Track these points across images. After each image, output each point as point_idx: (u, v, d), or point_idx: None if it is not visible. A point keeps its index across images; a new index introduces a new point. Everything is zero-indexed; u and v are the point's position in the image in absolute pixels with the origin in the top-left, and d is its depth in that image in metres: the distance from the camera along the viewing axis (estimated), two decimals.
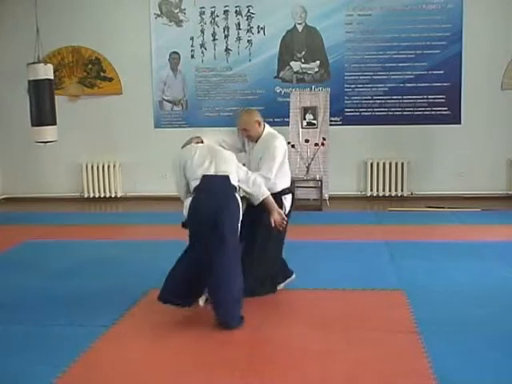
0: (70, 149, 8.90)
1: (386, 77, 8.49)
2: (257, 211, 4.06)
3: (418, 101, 8.49)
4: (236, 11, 8.62)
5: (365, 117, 8.59)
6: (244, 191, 4.07)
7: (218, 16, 8.65)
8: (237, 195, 3.85)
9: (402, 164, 8.53)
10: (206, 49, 8.73)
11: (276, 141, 4.22)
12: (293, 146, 7.97)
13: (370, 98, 8.56)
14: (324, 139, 8.09)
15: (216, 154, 3.92)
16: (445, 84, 8.41)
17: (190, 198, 3.85)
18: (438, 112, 8.48)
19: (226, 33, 8.67)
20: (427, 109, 8.49)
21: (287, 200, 4.29)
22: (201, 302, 4.03)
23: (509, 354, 3.28)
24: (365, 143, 8.60)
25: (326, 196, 8.16)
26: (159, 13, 8.71)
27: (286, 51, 8.62)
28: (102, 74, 8.89)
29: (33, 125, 7.37)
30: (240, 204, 3.85)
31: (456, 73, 8.37)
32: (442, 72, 8.40)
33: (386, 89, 8.52)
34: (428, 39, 8.37)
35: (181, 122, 8.87)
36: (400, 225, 6.85)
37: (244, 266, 3.99)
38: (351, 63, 8.53)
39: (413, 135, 8.52)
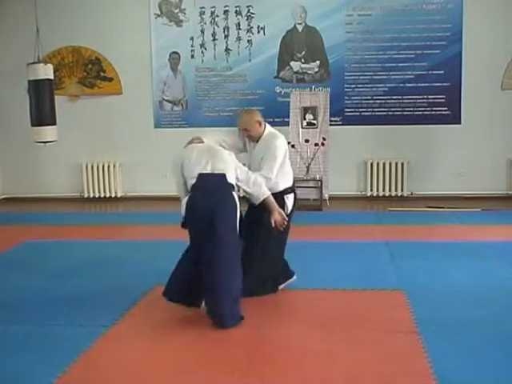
0: (70, 149, 8.90)
1: (385, 77, 8.49)
2: (258, 211, 4.06)
3: (418, 101, 8.49)
4: (236, 11, 8.62)
5: (365, 117, 8.59)
6: (244, 191, 4.07)
7: (217, 16, 8.65)
8: (234, 193, 3.84)
9: (402, 164, 8.53)
10: (206, 49, 8.73)
11: (277, 140, 4.22)
12: (293, 146, 7.97)
13: (369, 98, 8.56)
14: (324, 139, 8.09)
15: (214, 154, 3.92)
16: (445, 84, 8.41)
17: (187, 197, 3.86)
18: (438, 112, 8.48)
19: (225, 33, 8.67)
20: (427, 109, 8.49)
21: (289, 199, 4.29)
22: (202, 304, 4.02)
23: (509, 354, 3.28)
24: (365, 143, 8.60)
25: (326, 196, 8.16)
26: (159, 13, 8.72)
27: (286, 51, 8.62)
28: (102, 73, 8.89)
29: (32, 125, 7.37)
30: (237, 202, 3.85)
31: (456, 73, 8.37)
32: (441, 72, 8.40)
33: (386, 89, 8.52)
34: (428, 39, 8.37)
35: (181, 121, 8.87)
36: (400, 225, 6.85)
37: (245, 266, 4.00)
38: (351, 63, 8.53)
39: (413, 135, 8.52)
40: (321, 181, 7.97)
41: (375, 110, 8.57)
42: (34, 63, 7.26)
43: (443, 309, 4.02)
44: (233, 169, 3.91)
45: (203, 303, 3.96)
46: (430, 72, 8.41)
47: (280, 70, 8.66)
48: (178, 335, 3.67)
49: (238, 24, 8.64)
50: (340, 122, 8.59)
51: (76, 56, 8.88)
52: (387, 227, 6.69)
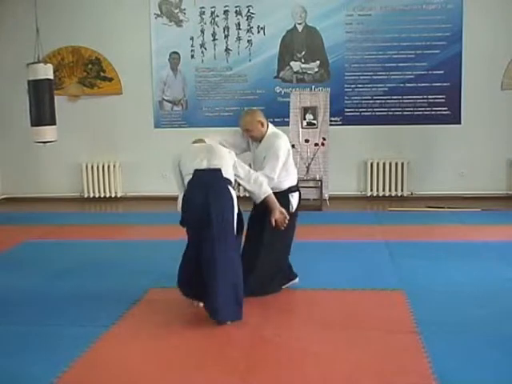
0: (70, 149, 8.90)
1: (386, 77, 8.49)
2: (263, 211, 4.05)
3: (418, 101, 8.49)
4: (236, 11, 8.62)
5: (365, 117, 8.59)
6: (245, 189, 4.09)
7: (218, 16, 8.65)
8: (230, 188, 3.84)
9: (402, 164, 8.54)
10: (206, 49, 8.73)
11: (279, 140, 4.22)
12: (293, 146, 7.91)
13: (369, 98, 8.56)
14: (324, 139, 8.09)
15: (210, 151, 3.94)
16: (445, 84, 8.41)
17: (183, 193, 3.88)
18: (438, 112, 8.48)
19: (225, 33, 8.67)
20: (427, 109, 8.49)
21: (294, 198, 4.30)
22: (201, 303, 4.02)
23: (509, 354, 3.28)
24: (365, 143, 8.60)
25: (326, 196, 8.16)
26: (159, 13, 8.72)
27: (286, 51, 8.62)
28: (101, 74, 8.89)
29: (32, 125, 7.36)
30: (234, 197, 3.85)
31: (456, 73, 8.37)
32: (441, 72, 8.40)
33: (386, 89, 8.52)
34: (428, 39, 8.37)
35: (181, 121, 8.87)
36: (400, 225, 6.85)
37: (249, 266, 4.04)
38: (351, 63, 8.53)
39: (413, 135, 8.52)
40: (321, 181, 7.97)
41: (375, 110, 8.57)
42: (33, 63, 7.26)
43: (443, 309, 4.02)
44: (230, 165, 3.91)
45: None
46: (429, 72, 8.42)
47: (280, 70, 8.66)
48: (177, 335, 3.67)
49: (238, 24, 8.64)
50: (340, 122, 8.59)
51: (76, 56, 8.88)
52: (387, 227, 6.68)
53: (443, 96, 8.43)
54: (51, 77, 7.35)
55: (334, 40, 8.51)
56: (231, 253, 3.80)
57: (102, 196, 9.05)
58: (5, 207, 8.78)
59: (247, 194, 4.18)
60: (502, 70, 8.32)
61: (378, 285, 4.55)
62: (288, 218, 4.05)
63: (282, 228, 4.05)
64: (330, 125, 8.26)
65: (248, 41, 8.64)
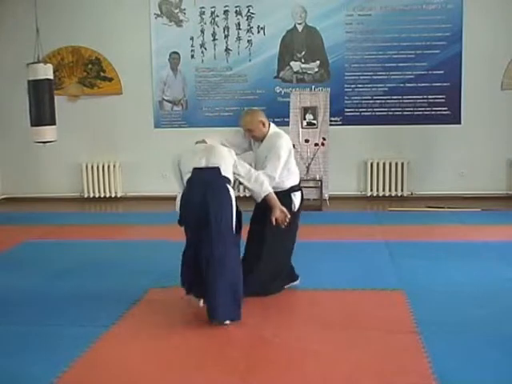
0: (70, 149, 8.90)
1: (386, 77, 8.49)
2: (265, 211, 4.05)
3: (418, 101, 8.49)
4: (236, 11, 8.62)
5: (365, 117, 8.59)
6: (246, 187, 4.10)
7: (218, 16, 8.65)
8: (229, 186, 3.85)
9: (402, 164, 8.54)
10: (206, 49, 8.73)
11: (281, 140, 4.22)
12: (293, 146, 7.93)
13: (369, 98, 8.56)
14: (324, 139, 8.09)
15: (210, 150, 3.95)
16: (445, 84, 8.41)
17: (181, 192, 3.89)
18: (438, 112, 8.48)
19: (225, 33, 8.67)
20: (427, 109, 8.49)
21: (297, 197, 4.30)
22: (201, 302, 4.02)
23: (509, 354, 3.28)
24: (365, 143, 8.60)
25: (326, 196, 8.16)
26: (159, 13, 8.72)
27: (286, 51, 8.62)
28: (101, 74, 8.89)
29: (32, 125, 7.37)
30: (232, 195, 3.85)
31: (456, 73, 8.37)
32: (441, 72, 8.40)
33: (386, 89, 8.52)
34: (428, 39, 8.37)
35: (181, 121, 8.87)
36: (400, 225, 6.85)
37: (252, 266, 4.06)
38: (351, 63, 8.53)
39: (413, 135, 8.52)
40: (321, 181, 7.97)
41: (375, 110, 8.58)
42: (33, 63, 7.26)
43: (443, 309, 4.02)
44: (229, 164, 3.91)
45: (201, 301, 3.99)
46: (429, 72, 8.42)
47: (280, 70, 8.66)
48: (177, 335, 3.67)
49: (238, 24, 8.64)
50: (340, 122, 8.59)
51: (76, 56, 8.88)
52: (387, 227, 6.68)
53: (443, 96, 8.43)
54: (51, 77, 7.36)
55: (334, 40, 8.51)
56: (230, 252, 3.80)
57: (102, 196, 9.05)
58: (5, 207, 8.78)
59: (247, 194, 4.19)
60: (502, 70, 8.32)
61: (378, 285, 4.55)
62: (289, 216, 4.04)
63: (283, 226, 4.04)
64: (330, 125, 8.25)
65: (248, 41, 8.64)
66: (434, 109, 8.47)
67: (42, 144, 7.55)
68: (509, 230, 6.41)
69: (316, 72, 8.62)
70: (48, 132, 7.37)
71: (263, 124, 4.23)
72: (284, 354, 3.38)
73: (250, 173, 3.99)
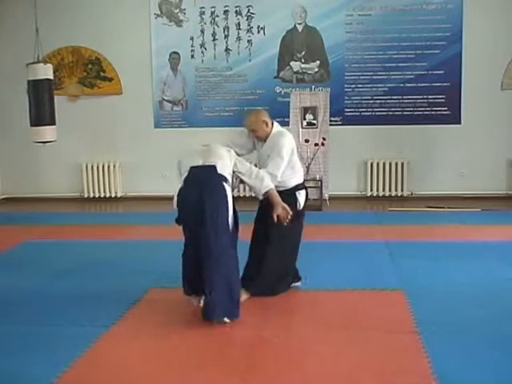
0: (70, 149, 8.90)
1: (386, 77, 8.49)
2: (269, 211, 4.04)
3: (418, 101, 8.49)
4: (236, 11, 8.62)
5: (365, 117, 8.59)
6: (248, 185, 4.11)
7: (218, 16, 8.65)
8: (225, 184, 3.84)
9: (402, 164, 8.54)
10: (206, 49, 8.73)
11: (283, 139, 4.21)
12: None
13: (369, 98, 8.56)
14: (324, 139, 8.09)
15: (208, 150, 3.98)
16: (445, 84, 8.41)
17: (177, 190, 3.90)
18: (438, 112, 8.48)
19: (225, 33, 8.67)
20: (427, 109, 8.49)
21: (301, 195, 4.30)
22: (202, 302, 4.02)
23: (509, 354, 3.28)
24: (365, 143, 8.60)
25: (326, 196, 8.16)
26: (159, 13, 8.72)
27: (286, 51, 8.62)
28: (101, 74, 8.89)
29: (32, 125, 7.36)
30: (229, 193, 3.85)
31: (456, 73, 8.37)
32: (441, 72, 8.40)
33: (386, 89, 8.52)
34: (428, 39, 8.37)
35: (181, 121, 8.87)
36: (400, 225, 6.85)
37: (257, 266, 4.08)
38: (351, 63, 8.53)
39: (413, 135, 8.52)
40: (321, 181, 7.97)
41: (375, 110, 8.58)
42: (33, 63, 7.25)
43: (443, 309, 4.02)
44: (227, 163, 3.92)
45: (197, 301, 3.99)
46: (429, 72, 8.42)
47: (280, 70, 8.66)
48: (177, 335, 3.67)
49: (238, 24, 8.64)
50: (340, 122, 8.59)
51: (76, 56, 8.88)
52: (387, 227, 6.68)
53: (443, 96, 8.43)
54: (51, 77, 7.35)
55: (334, 40, 8.51)
56: (225, 249, 3.80)
57: (102, 196, 9.05)
58: (5, 207, 8.78)
59: (247, 194, 4.19)
60: (502, 70, 8.32)
61: (378, 285, 4.55)
62: (291, 213, 4.03)
63: (285, 223, 4.02)
64: (330, 125, 8.25)
65: (248, 41, 8.64)
66: (434, 109, 8.47)
67: (41, 144, 7.55)
68: (509, 230, 6.41)
69: (316, 72, 8.62)
70: (48, 132, 7.37)
71: (266, 124, 4.24)
72: (284, 354, 3.38)
73: (250, 169, 4.01)
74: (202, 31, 8.69)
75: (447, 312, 3.95)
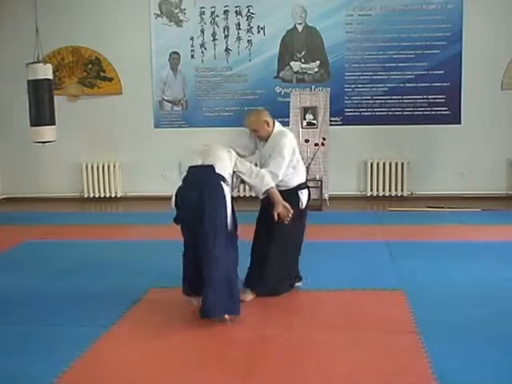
0: (70, 149, 8.90)
1: (386, 77, 8.49)
2: (271, 212, 4.04)
3: (418, 101, 8.49)
4: (236, 11, 8.62)
5: (365, 117, 8.59)
6: (248, 184, 4.11)
7: (218, 16, 8.65)
8: (224, 184, 3.85)
9: (402, 164, 8.54)
10: (206, 49, 8.73)
11: (284, 138, 4.21)
12: None
13: (369, 98, 8.56)
14: (324, 139, 8.08)
15: (208, 150, 3.99)
16: (445, 84, 8.41)
17: (176, 190, 3.91)
18: (438, 112, 8.48)
19: (225, 33, 8.67)
20: (427, 109, 8.49)
21: (304, 195, 4.30)
22: (200, 302, 4.01)
23: (509, 354, 3.28)
24: (365, 143, 8.60)
25: (326, 196, 8.16)
26: (159, 13, 8.71)
27: (286, 51, 8.62)
28: (101, 74, 8.89)
29: (32, 125, 7.36)
30: (227, 193, 3.86)
31: (456, 73, 8.37)
32: (441, 72, 8.40)
33: (386, 89, 8.52)
34: (428, 39, 8.37)
35: (181, 121, 8.87)
36: (400, 225, 6.85)
37: (260, 266, 4.09)
38: (351, 63, 8.53)
39: (413, 135, 8.52)
40: (321, 181, 7.97)
41: (375, 110, 8.58)
42: (33, 63, 7.25)
43: (443, 309, 4.02)
44: (226, 164, 3.93)
45: (195, 301, 3.99)
46: (429, 72, 8.42)
47: (280, 70, 8.66)
48: (177, 335, 3.67)
49: (238, 24, 8.64)
50: (340, 122, 8.59)
51: (76, 56, 8.88)
52: (387, 227, 6.68)
53: (443, 96, 8.43)
54: (51, 77, 7.35)
55: (334, 40, 8.51)
56: (224, 249, 3.80)
57: (102, 196, 9.05)
58: (5, 207, 8.78)
59: (247, 194, 4.19)
60: (502, 70, 8.32)
61: (378, 285, 4.55)
62: (292, 212, 4.01)
63: (286, 222, 4.02)
64: (330, 125, 8.25)
65: (248, 41, 8.64)
66: (434, 109, 8.47)
67: (41, 144, 7.55)
68: (509, 230, 6.41)
69: (316, 72, 8.62)
70: (48, 132, 7.36)
71: (268, 123, 4.23)
72: (284, 354, 3.38)
73: (250, 169, 4.02)
74: (202, 31, 8.69)
75: (447, 312, 3.95)
